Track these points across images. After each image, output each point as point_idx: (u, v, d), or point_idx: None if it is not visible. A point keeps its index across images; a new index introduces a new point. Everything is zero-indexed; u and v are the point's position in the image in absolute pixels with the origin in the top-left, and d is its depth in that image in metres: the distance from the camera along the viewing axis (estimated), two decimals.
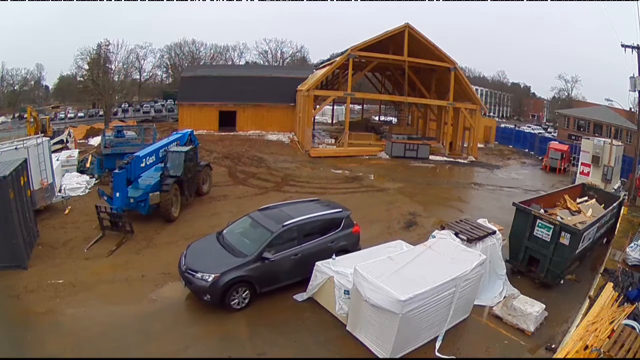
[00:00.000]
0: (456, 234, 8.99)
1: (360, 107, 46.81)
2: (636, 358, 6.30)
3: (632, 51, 15.77)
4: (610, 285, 8.87)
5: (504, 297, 8.77)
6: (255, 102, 33.14)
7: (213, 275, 7.61)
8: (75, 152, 19.13)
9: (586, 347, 6.54)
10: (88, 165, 18.07)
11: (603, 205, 11.91)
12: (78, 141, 26.28)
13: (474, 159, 26.78)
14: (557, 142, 28.26)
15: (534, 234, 9.62)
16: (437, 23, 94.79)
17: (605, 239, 11.90)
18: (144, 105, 56.15)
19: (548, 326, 8.14)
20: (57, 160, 15.91)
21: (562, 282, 9.69)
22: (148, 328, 7.39)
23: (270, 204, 10.49)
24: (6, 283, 8.60)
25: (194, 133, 16.89)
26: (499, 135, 36.62)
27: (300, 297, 8.45)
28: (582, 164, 20.31)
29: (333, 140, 28.48)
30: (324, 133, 32.55)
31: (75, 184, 15.67)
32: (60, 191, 14.53)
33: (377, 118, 45.79)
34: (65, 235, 11.34)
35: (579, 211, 11.27)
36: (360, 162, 23.62)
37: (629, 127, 35.56)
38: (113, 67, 51.61)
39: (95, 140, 26.62)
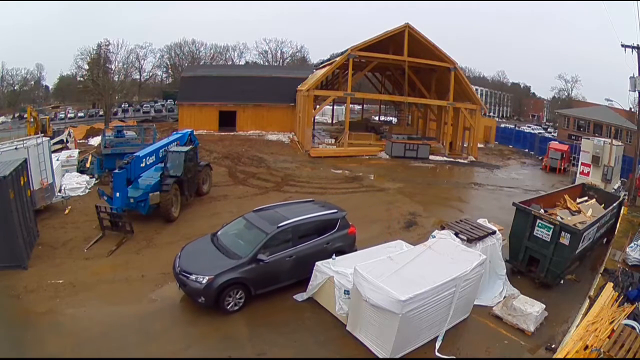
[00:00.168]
0: (456, 234, 9.00)
1: (360, 107, 46.83)
2: (636, 358, 6.30)
3: (632, 51, 15.77)
4: (610, 285, 8.87)
5: (504, 297, 8.78)
6: (255, 102, 33.15)
7: (207, 277, 7.53)
8: (75, 152, 19.14)
9: (586, 347, 6.54)
10: (88, 165, 18.08)
11: (603, 205, 11.91)
12: (78, 141, 26.29)
13: (474, 159, 26.79)
14: (557, 142, 28.26)
15: (534, 234, 9.62)
16: (437, 23, 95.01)
17: (605, 239, 11.90)
18: (144, 105, 56.17)
19: (548, 326, 8.14)
20: (57, 160, 15.91)
21: (562, 282, 9.69)
22: (148, 328, 7.39)
23: (270, 204, 10.50)
24: (6, 283, 8.60)
25: (194, 133, 16.90)
26: (499, 135, 36.63)
27: (300, 297, 8.45)
28: (582, 164, 20.31)
29: (333, 140, 28.49)
30: (324, 133, 32.56)
31: (75, 184, 15.67)
32: (60, 191, 14.53)
33: (377, 118, 45.80)
34: (65, 235, 11.34)
35: (579, 211, 11.27)
36: (360, 162, 23.62)
37: (629, 127, 35.56)
38: (113, 67, 51.72)
39: (95, 140, 26.62)
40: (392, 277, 6.94)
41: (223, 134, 31.33)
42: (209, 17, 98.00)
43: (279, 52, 72.48)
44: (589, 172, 19.71)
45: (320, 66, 35.84)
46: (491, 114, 69.38)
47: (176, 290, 8.32)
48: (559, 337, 7.81)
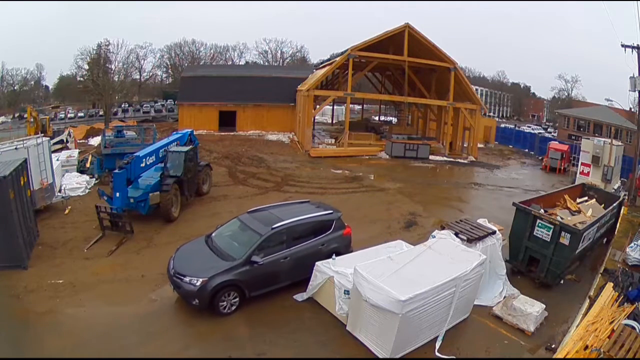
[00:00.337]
0: (456, 234, 9.00)
1: (360, 107, 46.82)
2: (636, 358, 6.30)
3: (632, 51, 15.77)
4: (610, 285, 8.87)
5: (504, 297, 8.78)
6: (255, 102, 33.14)
7: (201, 280, 7.46)
8: (75, 152, 19.15)
9: (586, 347, 6.54)
10: (88, 165, 18.08)
11: (603, 205, 11.91)
12: (78, 141, 26.29)
13: (474, 159, 26.79)
14: (557, 142, 28.26)
15: (534, 234, 9.62)
16: (437, 23, 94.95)
17: (605, 239, 11.90)
18: (144, 105, 56.17)
19: (548, 326, 8.14)
20: (57, 160, 15.91)
21: (562, 282, 9.69)
22: (148, 328, 7.39)
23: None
24: (6, 283, 8.60)
25: (194, 133, 16.90)
26: (499, 135, 36.62)
27: (300, 297, 8.45)
28: (582, 164, 20.31)
29: (333, 140, 28.50)
30: (324, 133, 32.57)
31: (75, 184, 15.68)
32: (60, 191, 14.53)
33: (377, 118, 45.80)
34: (65, 235, 11.34)
35: (579, 211, 11.27)
36: (360, 162, 23.62)
37: (629, 127, 35.57)
38: (113, 67, 51.76)
39: (95, 140, 26.61)
40: (392, 277, 6.94)
41: (223, 134, 31.32)
42: (209, 17, 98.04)
43: (279, 52, 72.61)
44: (589, 172, 19.71)
45: (320, 66, 35.84)
46: (491, 114, 69.38)
47: None
48: (559, 337, 7.81)
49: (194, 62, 63.00)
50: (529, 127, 58.06)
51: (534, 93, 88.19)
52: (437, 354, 7.08)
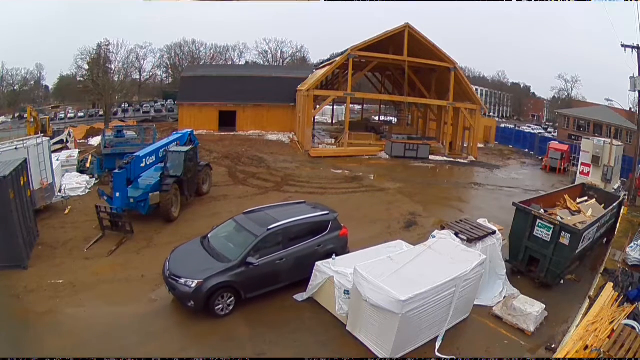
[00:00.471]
0: (456, 234, 8.99)
1: (360, 107, 46.81)
2: (636, 358, 6.30)
3: (632, 51, 15.75)
4: (610, 285, 8.86)
5: (504, 297, 8.78)
6: (255, 102, 33.14)
7: (196, 281, 7.42)
8: (75, 152, 19.15)
9: (586, 347, 6.54)
10: (88, 165, 18.08)
11: (603, 205, 11.91)
12: (78, 141, 26.29)
13: (474, 159, 26.79)
14: (557, 142, 28.25)
15: (534, 234, 9.62)
16: (437, 23, 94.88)
17: (605, 239, 11.90)
18: (144, 105, 56.13)
19: (548, 326, 8.14)
20: (57, 160, 15.90)
21: (562, 282, 9.69)
22: (148, 328, 7.39)
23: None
24: (6, 283, 8.60)
25: (194, 133, 16.90)
26: (499, 135, 36.61)
27: (300, 297, 8.45)
28: (582, 164, 20.30)
29: (333, 140, 28.50)
30: (324, 133, 32.57)
31: (75, 184, 15.67)
32: (60, 191, 14.53)
33: (377, 118, 45.79)
34: (65, 235, 11.34)
35: (579, 211, 11.26)
36: (360, 162, 23.62)
37: (629, 127, 35.57)
38: (113, 67, 51.68)
39: (95, 140, 26.61)
40: (392, 277, 6.94)
41: (223, 134, 31.32)
42: (209, 17, 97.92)
43: (279, 52, 72.50)
44: (589, 172, 19.70)
45: (320, 66, 35.84)
46: (491, 114, 69.34)
47: None
48: (559, 337, 7.81)
49: (194, 62, 62.96)
50: (529, 127, 58.04)
51: (534, 93, 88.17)
52: (437, 354, 7.08)
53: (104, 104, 44.04)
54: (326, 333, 7.49)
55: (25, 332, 7.21)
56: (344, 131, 26.92)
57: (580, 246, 9.34)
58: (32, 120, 26.17)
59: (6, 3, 61.29)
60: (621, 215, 12.83)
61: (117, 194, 11.67)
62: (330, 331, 7.54)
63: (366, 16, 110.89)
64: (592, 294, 9.09)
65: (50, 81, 68.01)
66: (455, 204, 16.66)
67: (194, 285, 7.42)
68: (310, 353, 6.91)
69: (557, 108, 62.89)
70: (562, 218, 10.08)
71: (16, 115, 53.26)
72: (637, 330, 6.99)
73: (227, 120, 32.80)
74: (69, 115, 52.54)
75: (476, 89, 39.28)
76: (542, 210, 10.12)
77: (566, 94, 76.04)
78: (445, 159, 26.09)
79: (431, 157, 25.66)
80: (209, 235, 8.93)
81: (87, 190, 15.49)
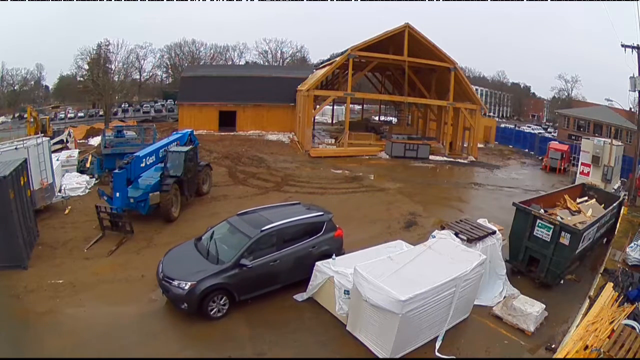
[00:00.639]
0: (456, 234, 9.00)
1: (360, 107, 46.80)
2: (636, 358, 6.30)
3: (632, 51, 15.75)
4: (610, 285, 8.86)
5: (504, 297, 8.78)
6: (255, 102, 33.13)
7: (189, 283, 7.38)
8: (75, 152, 19.15)
9: (586, 347, 6.54)
10: (88, 165, 18.08)
11: (603, 205, 11.90)
12: (78, 141, 26.29)
13: (474, 159, 26.78)
14: (557, 142, 28.25)
15: (534, 234, 9.62)
16: (437, 23, 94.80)
17: (605, 239, 11.90)
18: (144, 105, 56.10)
19: (548, 326, 8.14)
20: (57, 160, 15.91)
21: (562, 282, 9.69)
22: (148, 328, 7.40)
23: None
24: (6, 283, 8.61)
25: (194, 133, 16.90)
26: (499, 135, 36.60)
27: (300, 297, 8.45)
28: (582, 164, 20.30)
29: (333, 140, 28.50)
30: (324, 133, 32.57)
31: (75, 184, 15.68)
32: (60, 191, 14.53)
33: (377, 118, 45.79)
34: (65, 235, 11.34)
35: (579, 211, 11.26)
36: (360, 162, 23.62)
37: (629, 127, 35.56)
38: (113, 67, 51.66)
39: (95, 140, 26.61)
40: (392, 277, 6.94)
41: (223, 134, 31.32)
42: (209, 17, 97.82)
43: (279, 52, 72.46)
44: (589, 172, 19.70)
45: (320, 66, 35.84)
46: (491, 114, 69.30)
47: None
48: (559, 337, 7.81)
49: (194, 62, 62.94)
50: (529, 127, 58.04)
51: (534, 93, 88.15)
52: (437, 354, 7.08)
53: (104, 104, 44.02)
54: (326, 333, 7.49)
55: (25, 332, 7.21)
56: (344, 131, 26.92)
57: (580, 246, 9.34)
58: (32, 120, 26.17)
59: (6, 3, 61.36)
60: (621, 215, 12.82)
61: (117, 194, 11.67)
62: (330, 331, 7.54)
63: (366, 16, 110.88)
64: (592, 294, 9.09)
65: (50, 81, 68.12)
66: (455, 204, 16.66)
67: (187, 287, 7.39)
68: (310, 353, 6.92)
69: (557, 108, 62.89)
70: (562, 218, 10.08)
71: (16, 115, 53.23)
72: (637, 330, 6.99)
73: (227, 120, 32.80)
74: (69, 115, 52.50)
75: (476, 89, 39.27)
76: (542, 210, 10.12)
77: (566, 94, 76.08)
78: (445, 159, 26.09)
79: (431, 157, 25.65)
80: (202, 237, 8.88)
81: (87, 190, 15.50)
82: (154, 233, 11.70)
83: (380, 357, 6.86)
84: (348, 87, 27.14)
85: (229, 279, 7.68)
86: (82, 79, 52.19)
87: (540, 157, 28.34)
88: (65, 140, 24.51)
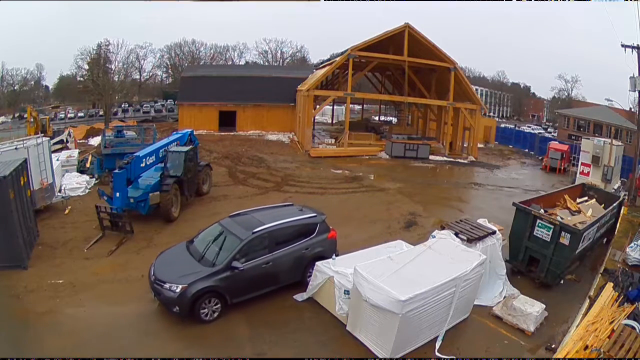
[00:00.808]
0: (456, 234, 8.99)
1: (360, 107, 46.81)
2: (636, 358, 6.30)
3: (632, 51, 15.75)
4: (610, 285, 8.86)
5: (504, 297, 8.78)
6: (255, 102, 33.14)
7: (181, 286, 7.31)
8: (75, 152, 19.15)
9: (586, 347, 6.54)
10: (88, 165, 18.09)
11: (603, 205, 11.90)
12: (78, 141, 26.29)
13: (474, 159, 26.78)
14: (557, 142, 28.25)
15: (534, 234, 9.62)
16: (437, 23, 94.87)
17: (605, 239, 11.90)
18: (144, 105, 56.10)
19: (548, 326, 8.14)
20: (57, 160, 15.91)
21: (562, 282, 9.69)
22: (148, 328, 7.41)
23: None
24: (6, 283, 8.61)
25: (194, 133, 16.90)
26: (499, 135, 36.60)
27: (300, 297, 8.45)
28: (582, 164, 20.30)
29: (333, 140, 28.50)
30: (324, 133, 32.57)
31: (75, 184, 15.68)
32: (60, 191, 14.53)
33: (377, 118, 45.80)
34: (65, 235, 11.34)
35: (579, 211, 11.26)
36: (360, 162, 23.62)
37: (629, 127, 35.57)
38: (113, 67, 51.66)
39: (95, 140, 26.62)
40: (392, 277, 6.94)
41: (223, 134, 31.32)
42: (209, 17, 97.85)
43: (279, 52, 72.48)
44: (589, 172, 19.70)
45: (320, 66, 35.84)
46: (491, 114, 69.31)
47: None
48: (559, 337, 7.81)
49: (194, 62, 62.96)
50: (529, 127, 58.04)
51: (534, 93, 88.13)
52: (437, 354, 7.08)
53: (104, 104, 44.03)
54: (326, 333, 7.50)
55: (25, 332, 7.21)
56: (344, 131, 26.92)
57: (580, 246, 9.34)
58: (32, 120, 26.17)
59: (6, 3, 61.32)
60: (621, 215, 12.82)
61: (117, 194, 11.67)
62: (330, 331, 7.54)
63: (366, 16, 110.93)
64: (592, 294, 9.09)
65: (50, 81, 68.15)
66: (455, 204, 16.66)
67: (178, 290, 7.33)
68: (310, 353, 6.91)
69: (557, 108, 62.88)
70: (562, 218, 10.08)
71: (16, 115, 53.25)
72: (637, 330, 6.99)
73: (227, 120, 32.81)
74: (69, 115, 52.50)
75: (476, 89, 39.27)
76: (542, 210, 10.12)
77: (566, 94, 76.07)
78: (445, 159, 26.09)
79: (431, 157, 25.66)
80: (194, 240, 8.82)
81: (87, 190, 15.50)
82: (154, 233, 11.70)
83: (380, 357, 6.86)
84: (348, 87, 27.15)
85: (220, 281, 7.60)
86: (82, 79, 52.21)
87: (540, 157, 28.34)
88: (65, 140, 24.52)
